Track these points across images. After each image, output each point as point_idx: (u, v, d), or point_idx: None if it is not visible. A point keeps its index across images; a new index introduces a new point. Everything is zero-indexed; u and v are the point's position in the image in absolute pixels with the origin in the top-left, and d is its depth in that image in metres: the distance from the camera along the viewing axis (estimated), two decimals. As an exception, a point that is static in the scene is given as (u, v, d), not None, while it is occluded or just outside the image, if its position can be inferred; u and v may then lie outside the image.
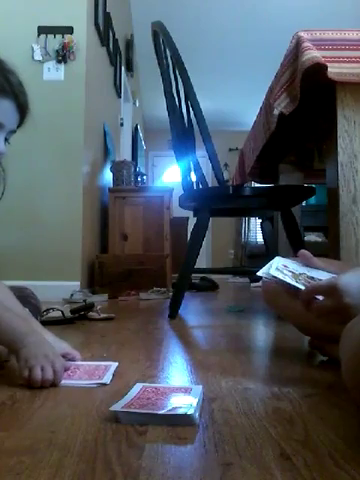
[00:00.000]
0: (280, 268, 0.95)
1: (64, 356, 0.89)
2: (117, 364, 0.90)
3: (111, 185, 3.75)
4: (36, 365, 0.78)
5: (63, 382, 0.80)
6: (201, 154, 2.09)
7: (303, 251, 0.97)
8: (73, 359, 0.91)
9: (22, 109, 0.90)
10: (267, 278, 0.92)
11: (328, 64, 1.25)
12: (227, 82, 6.91)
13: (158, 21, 1.87)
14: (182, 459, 0.50)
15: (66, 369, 0.85)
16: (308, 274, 0.94)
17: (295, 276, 0.92)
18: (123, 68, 4.82)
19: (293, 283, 0.89)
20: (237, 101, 7.54)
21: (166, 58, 1.88)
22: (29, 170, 2.85)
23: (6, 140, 0.90)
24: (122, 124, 4.91)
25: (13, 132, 0.92)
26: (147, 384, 0.75)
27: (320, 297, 0.85)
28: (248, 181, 2.49)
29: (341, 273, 0.83)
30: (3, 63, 0.89)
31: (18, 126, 0.92)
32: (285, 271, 0.94)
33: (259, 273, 0.94)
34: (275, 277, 0.90)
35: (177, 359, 1.06)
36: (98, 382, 0.80)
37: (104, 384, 0.80)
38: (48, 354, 0.81)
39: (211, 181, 3.27)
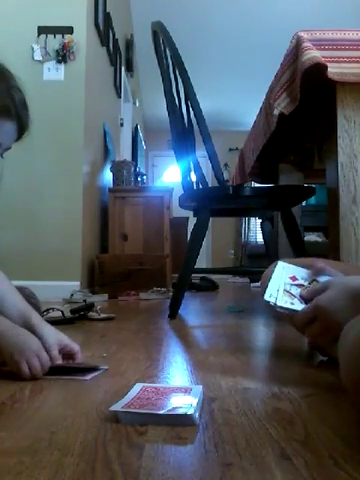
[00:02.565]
0: (287, 288, 0.91)
1: (63, 348, 0.89)
2: (107, 368, 0.90)
3: (111, 185, 3.75)
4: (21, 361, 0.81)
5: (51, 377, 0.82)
6: (201, 154, 2.09)
7: (317, 266, 0.93)
8: (71, 351, 0.91)
9: (22, 130, 0.90)
10: (272, 305, 0.88)
11: (328, 64, 1.25)
12: (227, 82, 6.91)
13: (158, 21, 1.87)
14: (182, 459, 0.50)
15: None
16: (319, 280, 0.92)
17: (304, 289, 0.90)
18: (123, 68, 4.82)
19: (297, 308, 0.87)
20: (237, 101, 7.54)
21: (166, 58, 1.88)
22: (29, 170, 2.85)
23: (0, 155, 0.91)
24: (122, 124, 4.92)
25: (8, 149, 0.92)
26: (147, 384, 0.75)
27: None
28: (248, 181, 2.49)
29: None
30: (12, 79, 0.88)
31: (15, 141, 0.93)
32: (293, 289, 0.91)
33: (266, 297, 0.88)
34: (282, 307, 0.87)
35: (177, 359, 1.06)
36: (81, 378, 0.82)
37: (84, 380, 0.82)
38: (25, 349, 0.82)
39: (211, 181, 3.27)
